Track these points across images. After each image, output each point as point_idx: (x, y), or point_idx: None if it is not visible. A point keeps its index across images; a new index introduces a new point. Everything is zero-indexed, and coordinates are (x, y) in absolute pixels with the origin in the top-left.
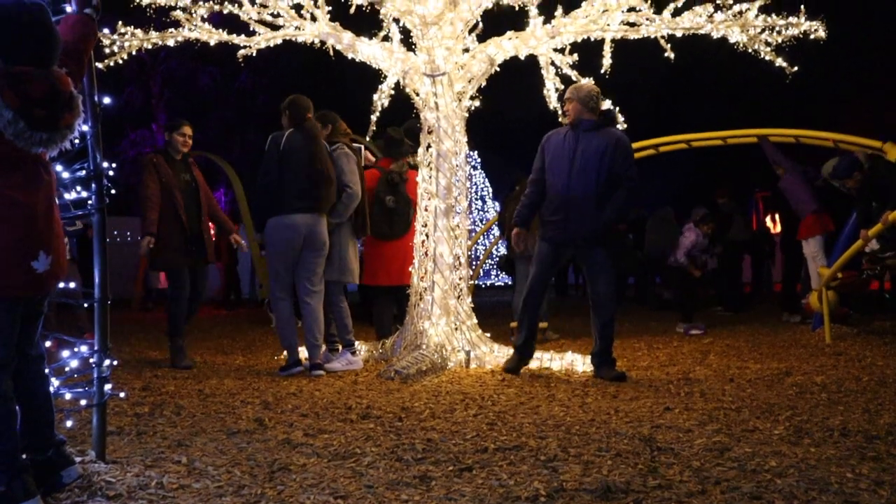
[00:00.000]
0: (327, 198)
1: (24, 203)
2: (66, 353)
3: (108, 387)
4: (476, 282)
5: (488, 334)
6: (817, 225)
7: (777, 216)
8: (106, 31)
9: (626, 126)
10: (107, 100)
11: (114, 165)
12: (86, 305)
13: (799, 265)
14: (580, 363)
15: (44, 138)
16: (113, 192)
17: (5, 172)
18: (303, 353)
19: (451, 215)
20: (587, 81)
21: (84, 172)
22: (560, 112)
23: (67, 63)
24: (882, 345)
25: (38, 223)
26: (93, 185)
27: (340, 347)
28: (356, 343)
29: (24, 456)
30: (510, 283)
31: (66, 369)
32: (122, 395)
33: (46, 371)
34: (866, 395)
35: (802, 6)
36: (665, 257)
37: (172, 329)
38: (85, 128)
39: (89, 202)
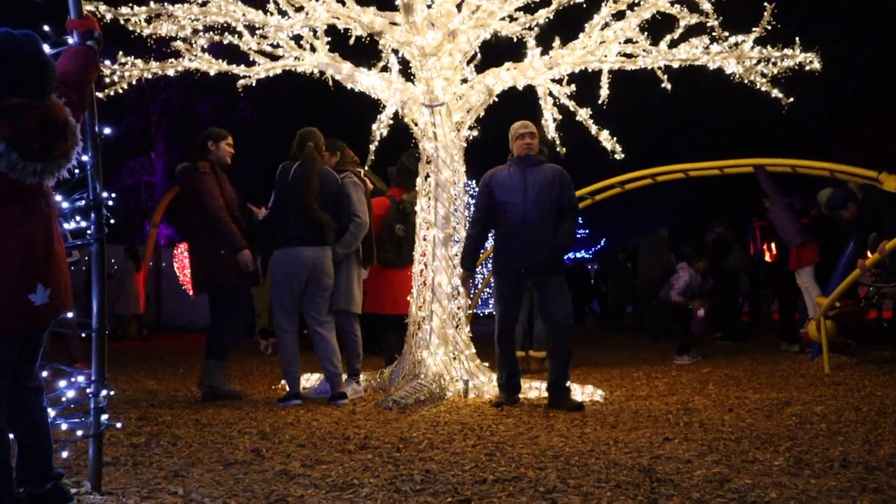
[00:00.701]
0: (328, 229)
1: (20, 236)
2: (62, 383)
3: (104, 417)
4: (474, 310)
5: (487, 364)
6: (804, 257)
7: (773, 245)
8: (107, 62)
9: (623, 156)
10: (107, 130)
11: (113, 195)
12: (83, 335)
13: (796, 294)
14: (578, 393)
15: (38, 169)
16: (112, 221)
17: (1, 205)
18: (303, 382)
19: (449, 245)
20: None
21: (83, 202)
22: (558, 141)
23: (68, 94)
24: (881, 374)
25: (35, 256)
26: (92, 215)
27: (345, 376)
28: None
29: (21, 490)
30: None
31: (63, 399)
32: (118, 425)
33: (44, 403)
34: (866, 425)
35: (797, 38)
36: (660, 280)
37: (219, 352)
38: (85, 158)
39: (88, 232)
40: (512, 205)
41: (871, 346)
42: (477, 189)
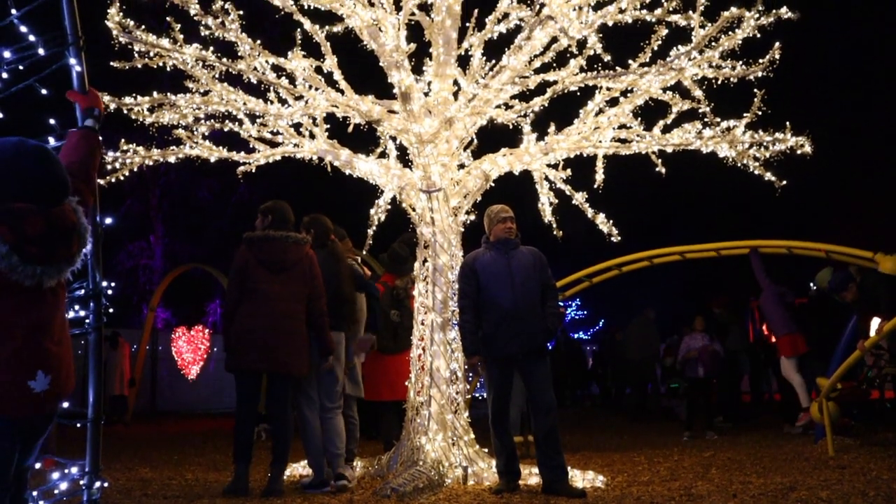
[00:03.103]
0: (350, 317)
1: (21, 323)
2: (55, 475)
3: None
4: (473, 394)
5: (486, 450)
6: (790, 346)
7: None
8: (110, 153)
9: (619, 239)
10: (108, 220)
11: (112, 284)
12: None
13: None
14: (580, 479)
15: (37, 272)
16: (111, 310)
17: (3, 297)
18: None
19: (447, 329)
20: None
21: (83, 291)
22: (554, 225)
23: (77, 184)
24: (887, 457)
25: (37, 342)
26: (91, 305)
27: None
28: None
29: None
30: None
31: (56, 492)
32: None
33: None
34: None
35: (788, 123)
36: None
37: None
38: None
39: (87, 321)
40: (499, 291)
41: (874, 427)
42: None
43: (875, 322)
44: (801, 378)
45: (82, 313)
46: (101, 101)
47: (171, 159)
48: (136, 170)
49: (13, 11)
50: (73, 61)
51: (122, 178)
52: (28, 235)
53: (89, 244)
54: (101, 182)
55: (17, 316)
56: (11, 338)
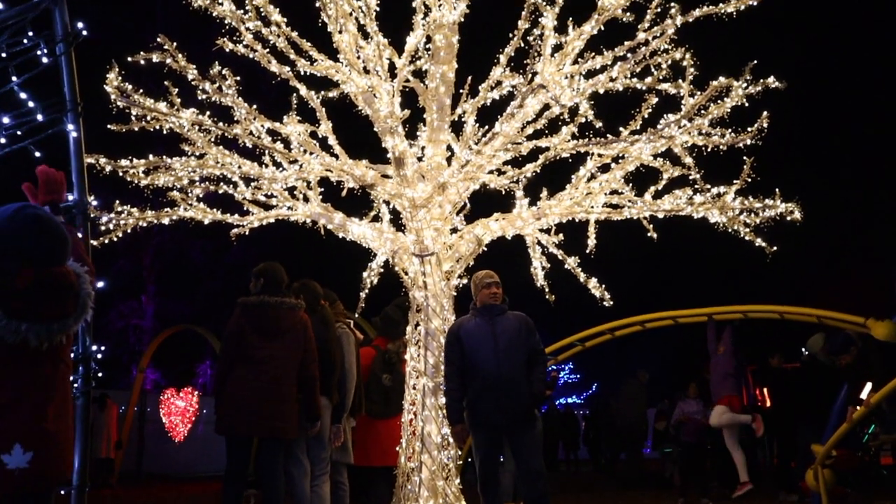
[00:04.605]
0: (338, 383)
1: (5, 387)
2: None
3: None
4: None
5: None
6: (727, 402)
7: (766, 390)
8: (104, 218)
9: (612, 303)
10: (100, 283)
11: (102, 348)
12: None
13: (794, 441)
14: None
15: (20, 329)
16: (100, 374)
17: None
18: None
19: (439, 394)
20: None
21: (72, 355)
22: (546, 289)
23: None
24: None
25: (20, 412)
26: (80, 368)
27: None
28: None
29: None
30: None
31: None
32: None
33: None
34: None
35: (777, 189)
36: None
37: None
38: None
39: (75, 385)
40: (483, 357)
41: (871, 495)
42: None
43: (867, 388)
44: (742, 451)
45: (71, 377)
46: (61, 190)
47: (166, 221)
48: (129, 231)
49: (14, 78)
50: (70, 127)
51: (115, 239)
52: (15, 289)
53: (90, 311)
54: (95, 243)
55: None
56: None
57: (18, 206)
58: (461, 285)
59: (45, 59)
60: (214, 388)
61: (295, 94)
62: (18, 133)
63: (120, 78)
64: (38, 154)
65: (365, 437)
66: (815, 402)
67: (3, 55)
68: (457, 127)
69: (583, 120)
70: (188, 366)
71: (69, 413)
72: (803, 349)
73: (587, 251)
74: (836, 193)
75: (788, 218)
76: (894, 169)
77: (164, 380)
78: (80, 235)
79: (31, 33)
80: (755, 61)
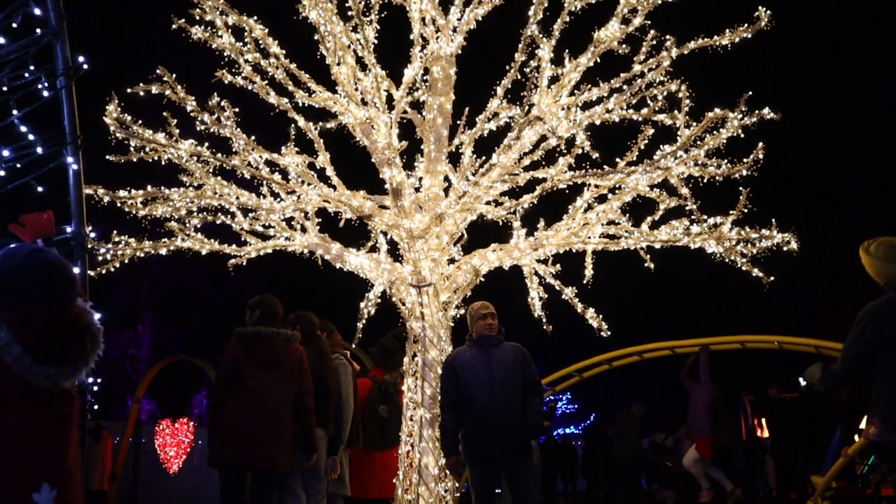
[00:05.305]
0: (334, 415)
1: (33, 430)
2: None
3: None
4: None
5: None
6: (708, 449)
7: (765, 421)
8: (101, 250)
9: (609, 333)
10: (97, 315)
11: (98, 380)
12: None
13: (793, 471)
14: None
15: (51, 373)
16: (96, 407)
17: (17, 400)
18: None
19: (436, 425)
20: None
21: None
22: (544, 320)
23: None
24: None
25: (46, 452)
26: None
27: None
28: None
29: None
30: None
31: None
32: None
33: None
34: None
35: (773, 220)
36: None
37: None
38: None
39: None
40: (479, 388)
41: None
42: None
43: (865, 420)
44: (715, 467)
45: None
46: (49, 227)
47: (163, 251)
48: (126, 261)
49: (14, 112)
50: (70, 160)
51: (112, 269)
52: (43, 336)
53: (102, 345)
54: (92, 273)
55: (30, 421)
56: (17, 445)
57: (29, 251)
58: (458, 316)
59: (45, 93)
60: (209, 420)
61: (293, 126)
62: (18, 166)
63: (119, 109)
64: (39, 189)
65: (362, 469)
66: (813, 432)
67: (5, 89)
68: (454, 158)
69: (579, 151)
70: (184, 396)
71: (78, 451)
72: (800, 379)
73: (584, 281)
74: (833, 223)
75: (785, 248)
76: (891, 198)
77: (159, 410)
78: (76, 270)
79: (32, 67)
80: (750, 92)
